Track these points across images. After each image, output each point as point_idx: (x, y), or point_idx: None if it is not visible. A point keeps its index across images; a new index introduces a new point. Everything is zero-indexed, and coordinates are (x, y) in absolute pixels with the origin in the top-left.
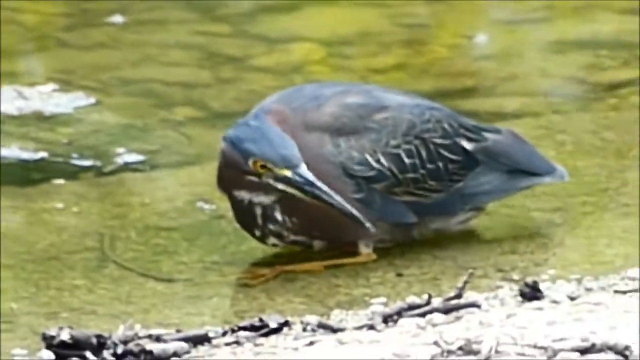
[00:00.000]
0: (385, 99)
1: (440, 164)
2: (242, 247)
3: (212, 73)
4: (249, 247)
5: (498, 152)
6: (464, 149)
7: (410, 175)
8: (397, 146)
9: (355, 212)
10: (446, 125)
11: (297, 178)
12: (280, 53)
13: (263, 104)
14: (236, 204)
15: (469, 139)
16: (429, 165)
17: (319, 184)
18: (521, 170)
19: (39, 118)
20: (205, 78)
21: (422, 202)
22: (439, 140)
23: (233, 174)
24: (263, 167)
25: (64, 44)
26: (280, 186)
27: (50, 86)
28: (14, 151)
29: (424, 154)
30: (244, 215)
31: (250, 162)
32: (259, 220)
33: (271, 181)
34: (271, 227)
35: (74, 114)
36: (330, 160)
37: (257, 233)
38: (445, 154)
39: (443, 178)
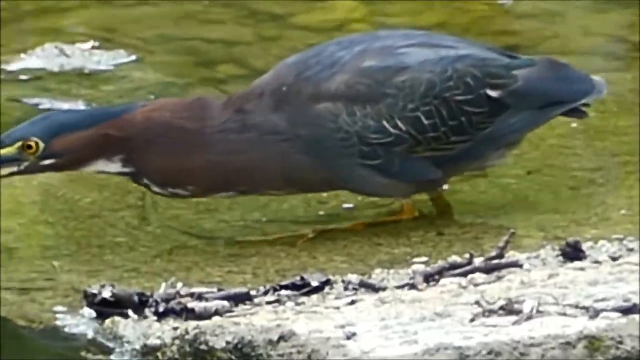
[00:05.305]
0: (405, 56)
1: (463, 119)
2: (284, 205)
3: (254, 30)
4: (290, 206)
5: (529, 91)
6: (490, 98)
7: (431, 134)
8: (415, 109)
9: None
10: (469, 79)
11: None
12: (322, 11)
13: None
14: None
15: (496, 87)
16: (450, 122)
17: None
18: (554, 102)
19: (80, 75)
20: (246, 36)
21: (446, 154)
22: (460, 97)
23: None
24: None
25: (105, 1)
26: None
27: (91, 43)
28: (55, 107)
29: (444, 112)
30: None
31: None
32: None
33: None
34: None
35: (115, 71)
36: (344, 129)
37: None
38: (468, 109)
39: (467, 131)
